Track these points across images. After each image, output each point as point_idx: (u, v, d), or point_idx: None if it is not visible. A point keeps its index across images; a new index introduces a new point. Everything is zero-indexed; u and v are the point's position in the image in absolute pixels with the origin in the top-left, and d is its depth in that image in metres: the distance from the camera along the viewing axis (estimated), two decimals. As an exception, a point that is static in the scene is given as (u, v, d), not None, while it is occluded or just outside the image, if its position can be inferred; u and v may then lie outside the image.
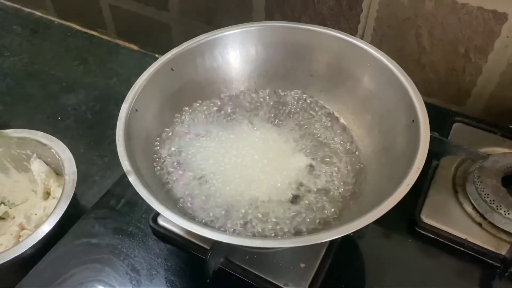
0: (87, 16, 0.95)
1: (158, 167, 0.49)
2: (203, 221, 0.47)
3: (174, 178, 0.49)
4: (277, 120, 0.54)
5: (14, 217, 0.62)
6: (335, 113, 0.55)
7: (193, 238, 0.52)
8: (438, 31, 0.62)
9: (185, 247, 0.52)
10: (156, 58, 0.91)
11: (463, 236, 0.52)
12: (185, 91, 0.53)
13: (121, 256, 0.52)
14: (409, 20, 0.63)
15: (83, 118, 0.80)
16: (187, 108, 0.54)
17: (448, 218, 0.54)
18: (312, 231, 0.45)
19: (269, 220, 0.46)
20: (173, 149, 0.51)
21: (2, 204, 0.63)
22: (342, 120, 0.55)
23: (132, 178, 0.40)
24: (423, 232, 0.53)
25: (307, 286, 0.48)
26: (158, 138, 0.51)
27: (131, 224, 0.55)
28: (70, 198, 0.55)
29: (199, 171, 0.49)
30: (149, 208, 0.55)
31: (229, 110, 0.54)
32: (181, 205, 0.47)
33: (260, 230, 0.45)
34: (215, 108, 0.54)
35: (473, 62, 0.62)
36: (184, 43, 0.53)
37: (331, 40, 0.53)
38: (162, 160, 0.50)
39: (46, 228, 0.53)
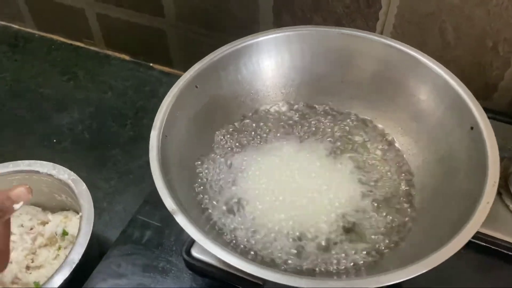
0: (72, 27, 0.88)
1: (197, 195, 0.45)
2: (250, 252, 0.42)
3: (213, 205, 0.45)
4: (315, 137, 0.50)
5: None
6: (374, 122, 0.51)
7: (234, 271, 0.47)
8: (464, 25, 0.59)
9: (225, 280, 0.47)
10: (151, 68, 0.86)
11: (518, 242, 0.49)
12: (212, 109, 0.48)
13: (154, 297, 0.47)
14: (433, 14, 0.60)
15: (81, 138, 0.74)
16: (220, 130, 0.49)
17: (497, 223, 0.51)
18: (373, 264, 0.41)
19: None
20: (210, 175, 0.46)
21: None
22: (384, 130, 0.51)
23: (180, 219, 0.35)
24: (473, 240, 0.50)
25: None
26: (192, 165, 0.46)
27: (161, 259, 0.50)
28: (89, 236, 0.49)
29: (239, 197, 0.45)
30: (179, 239, 0.50)
31: (263, 129, 0.50)
32: (226, 236, 0.43)
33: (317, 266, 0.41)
34: (248, 128, 0.49)
35: (502, 55, 0.60)
36: (207, 56, 0.48)
37: (372, 45, 0.49)
38: (199, 188, 0.45)
39: (64, 273, 0.46)
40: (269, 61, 0.50)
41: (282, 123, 0.50)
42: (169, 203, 0.36)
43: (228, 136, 0.49)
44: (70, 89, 0.81)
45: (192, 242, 0.49)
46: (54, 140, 0.73)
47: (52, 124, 0.75)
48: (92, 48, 0.89)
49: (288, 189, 0.44)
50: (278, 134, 0.50)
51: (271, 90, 0.52)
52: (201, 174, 0.46)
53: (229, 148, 0.49)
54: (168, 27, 0.79)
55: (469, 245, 0.50)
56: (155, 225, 0.52)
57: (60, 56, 0.88)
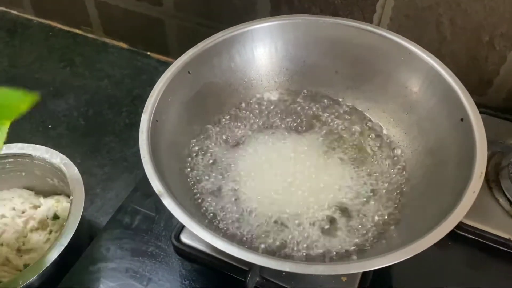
0: (70, 14, 0.88)
1: (187, 180, 0.45)
2: (243, 237, 0.42)
3: (204, 190, 0.45)
4: (308, 126, 0.50)
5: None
6: (366, 113, 0.51)
7: (222, 256, 0.47)
8: (460, 19, 0.59)
9: (213, 266, 0.48)
10: (148, 56, 0.86)
11: (506, 236, 0.49)
12: (205, 96, 0.48)
13: (143, 281, 0.47)
14: (430, 8, 0.60)
15: (76, 125, 0.73)
16: (212, 117, 0.49)
17: (487, 217, 0.51)
18: (363, 251, 0.41)
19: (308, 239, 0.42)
20: (201, 161, 0.46)
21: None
22: (376, 121, 0.51)
23: (167, 201, 0.35)
24: (463, 233, 0.50)
25: (352, 301, 0.44)
26: (182, 150, 0.46)
27: (151, 244, 0.50)
28: (79, 220, 0.49)
29: (231, 184, 0.45)
30: (168, 225, 0.50)
31: (255, 118, 0.50)
32: (215, 221, 0.43)
33: (301, 251, 0.41)
34: (241, 116, 0.49)
35: (497, 50, 0.60)
36: (200, 43, 0.48)
37: (366, 35, 0.49)
38: (191, 173, 0.45)
39: (52, 256, 0.46)
40: (263, 49, 0.50)
41: (275, 112, 0.50)
42: (157, 186, 0.36)
43: (220, 123, 0.49)
44: (67, 76, 0.81)
45: (181, 228, 0.49)
46: (49, 126, 0.73)
47: (48, 110, 0.75)
48: (89, 35, 0.89)
49: (280, 176, 0.44)
50: (271, 123, 0.50)
51: (264, 79, 0.52)
52: (192, 160, 0.46)
53: (221, 135, 0.48)
54: (166, 16, 0.79)
55: (459, 238, 0.50)
56: (144, 211, 0.52)
57: (58, 43, 0.88)
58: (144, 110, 0.42)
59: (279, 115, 0.50)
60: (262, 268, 0.45)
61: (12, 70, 0.82)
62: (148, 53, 0.86)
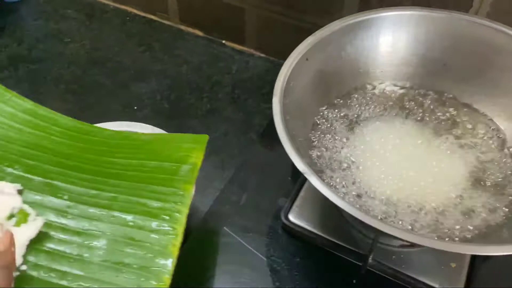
0: (147, 0, 0.90)
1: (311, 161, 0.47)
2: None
3: (328, 173, 0.47)
4: (419, 117, 0.51)
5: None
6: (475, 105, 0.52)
7: (330, 237, 0.49)
8: None
9: (325, 247, 0.50)
10: (223, 44, 0.88)
11: None
12: (320, 82, 0.50)
13: (256, 257, 0.49)
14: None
15: (160, 108, 0.76)
16: (325, 101, 0.51)
17: None
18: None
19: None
20: (322, 143, 0.48)
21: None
22: (487, 114, 0.52)
23: (313, 180, 0.37)
24: None
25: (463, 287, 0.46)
26: (304, 133, 0.48)
27: (260, 221, 0.52)
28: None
29: (350, 165, 0.47)
30: (275, 202, 0.52)
31: (368, 106, 0.51)
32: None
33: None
34: (354, 103, 0.51)
35: None
36: (318, 30, 0.49)
37: (473, 26, 0.50)
38: (314, 154, 0.47)
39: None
40: (383, 39, 0.51)
41: (387, 102, 0.52)
42: (301, 166, 0.38)
43: (334, 108, 0.51)
44: (147, 60, 0.84)
45: (289, 207, 0.51)
46: (135, 107, 0.76)
47: (132, 92, 0.78)
48: (165, 21, 0.91)
49: (396, 163, 0.46)
50: (383, 112, 0.52)
51: (378, 69, 0.53)
52: (315, 142, 0.48)
53: (335, 120, 0.50)
54: (248, 5, 0.80)
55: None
56: (252, 188, 0.54)
57: (135, 28, 0.90)
58: (274, 93, 0.44)
59: (391, 104, 0.52)
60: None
61: (95, 53, 0.85)
62: (223, 41, 0.88)
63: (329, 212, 0.51)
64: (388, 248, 0.48)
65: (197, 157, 0.42)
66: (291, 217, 0.51)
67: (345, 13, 0.68)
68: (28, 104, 0.46)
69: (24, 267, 0.35)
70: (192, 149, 0.43)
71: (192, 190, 0.41)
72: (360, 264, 0.47)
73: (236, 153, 0.67)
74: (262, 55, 0.85)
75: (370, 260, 0.43)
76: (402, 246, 0.48)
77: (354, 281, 0.46)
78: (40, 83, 0.78)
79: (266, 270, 0.48)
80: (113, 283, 0.35)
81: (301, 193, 0.52)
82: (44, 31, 0.88)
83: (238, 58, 0.86)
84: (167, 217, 0.38)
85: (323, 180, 0.45)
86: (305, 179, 0.51)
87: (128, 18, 0.92)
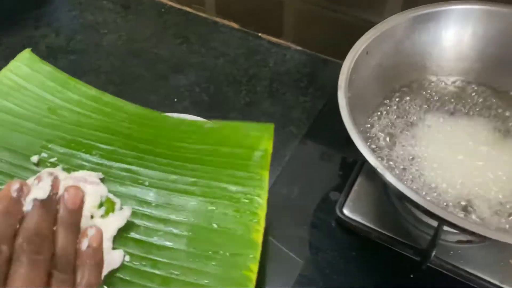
0: (183, -8, 0.90)
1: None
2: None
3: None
4: (481, 115, 0.51)
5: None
6: None
7: (386, 231, 0.49)
8: None
9: (381, 241, 0.49)
10: (260, 37, 0.88)
11: None
12: (380, 75, 0.50)
13: (312, 250, 0.49)
14: None
15: (200, 100, 0.76)
16: (384, 95, 0.51)
17: None
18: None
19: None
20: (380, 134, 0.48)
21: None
22: None
23: (389, 176, 0.37)
24: None
25: (525, 285, 0.45)
26: (364, 127, 0.48)
27: (313, 215, 0.52)
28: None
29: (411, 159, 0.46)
30: (326, 196, 0.52)
31: (430, 100, 0.51)
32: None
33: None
34: (415, 96, 0.51)
35: None
36: (378, 24, 0.49)
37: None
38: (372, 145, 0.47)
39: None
40: (443, 33, 0.51)
41: (449, 97, 0.52)
42: (374, 162, 0.38)
43: (393, 102, 0.51)
44: (184, 53, 0.84)
45: (344, 201, 0.51)
46: (175, 100, 0.76)
47: (170, 84, 0.78)
48: (201, 14, 0.91)
49: (457, 158, 0.45)
50: (445, 107, 0.51)
51: (441, 62, 0.53)
52: (373, 136, 0.48)
53: (395, 114, 0.50)
54: (288, -2, 0.80)
55: None
56: (302, 181, 0.54)
57: (171, 20, 0.90)
58: (338, 86, 0.44)
59: (453, 100, 0.52)
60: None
61: (132, 44, 0.85)
62: (260, 34, 0.88)
63: (383, 207, 0.50)
64: (445, 244, 0.47)
65: (267, 145, 0.42)
66: (346, 211, 0.50)
67: (388, 7, 0.68)
68: (92, 91, 0.46)
69: (127, 258, 0.35)
70: (260, 137, 0.43)
71: (268, 175, 0.40)
72: (417, 259, 0.47)
73: (278, 146, 0.67)
74: (299, 48, 0.84)
75: (433, 255, 0.43)
76: (459, 241, 0.48)
77: (412, 276, 0.46)
78: (81, 74, 0.78)
79: (322, 262, 0.47)
80: (203, 271, 0.34)
81: (355, 187, 0.52)
82: (80, 22, 0.89)
83: (275, 51, 0.86)
84: (248, 201, 0.38)
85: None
86: (358, 174, 0.51)
87: (163, 10, 0.92)
